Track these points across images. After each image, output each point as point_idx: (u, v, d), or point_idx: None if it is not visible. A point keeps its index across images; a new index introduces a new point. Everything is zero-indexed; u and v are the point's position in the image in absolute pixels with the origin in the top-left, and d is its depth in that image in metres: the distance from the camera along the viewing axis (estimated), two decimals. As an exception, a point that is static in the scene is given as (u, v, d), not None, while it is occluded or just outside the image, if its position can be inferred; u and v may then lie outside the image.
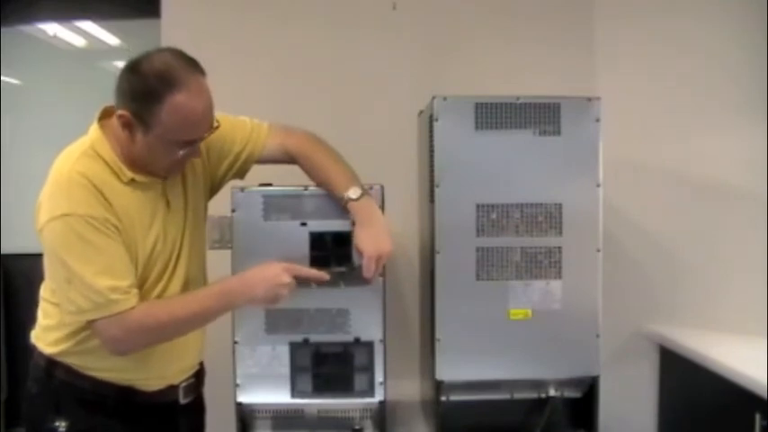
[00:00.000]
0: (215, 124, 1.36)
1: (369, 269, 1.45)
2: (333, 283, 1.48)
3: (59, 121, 2.90)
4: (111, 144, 1.35)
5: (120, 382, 1.41)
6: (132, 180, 1.35)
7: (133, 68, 1.30)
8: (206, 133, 1.36)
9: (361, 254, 1.46)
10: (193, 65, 1.31)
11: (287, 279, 1.38)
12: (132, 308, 1.31)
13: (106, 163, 1.34)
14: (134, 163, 1.36)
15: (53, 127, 2.90)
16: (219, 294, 1.38)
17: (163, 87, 1.26)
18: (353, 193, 1.48)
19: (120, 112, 1.30)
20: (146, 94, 1.27)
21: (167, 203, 1.42)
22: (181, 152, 1.34)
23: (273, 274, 1.38)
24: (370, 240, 1.46)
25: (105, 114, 1.39)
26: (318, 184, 1.54)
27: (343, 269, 1.50)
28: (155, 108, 1.27)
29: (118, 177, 1.34)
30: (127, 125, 1.31)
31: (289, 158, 1.55)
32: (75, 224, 1.27)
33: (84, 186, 1.29)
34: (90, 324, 1.31)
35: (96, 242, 1.28)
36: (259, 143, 1.54)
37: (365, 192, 1.49)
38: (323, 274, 1.45)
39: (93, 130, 1.37)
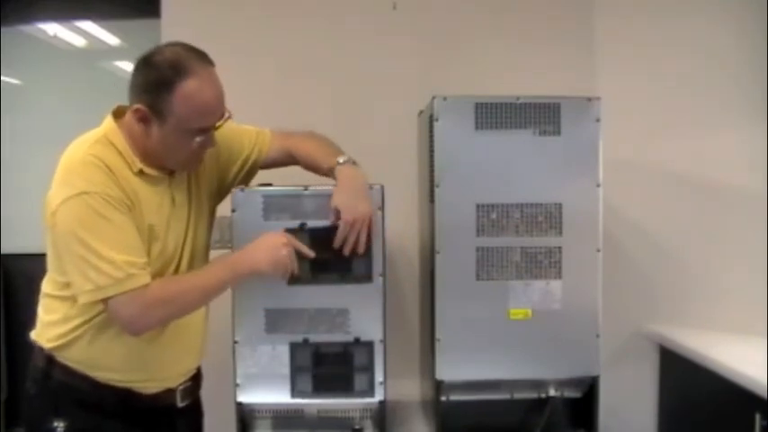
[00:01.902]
0: (226, 114, 1.39)
1: (341, 236, 1.46)
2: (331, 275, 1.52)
3: (59, 121, 2.90)
4: (124, 135, 1.38)
5: (118, 384, 1.41)
6: (141, 171, 1.38)
7: (145, 62, 1.34)
8: (218, 121, 1.39)
9: (337, 216, 1.46)
10: (203, 56, 1.36)
11: (283, 239, 1.44)
12: (148, 284, 1.33)
13: (119, 152, 1.37)
14: (148, 158, 1.39)
15: (53, 127, 2.89)
16: (225, 266, 1.44)
17: (174, 75, 1.31)
18: (340, 158, 1.50)
19: (135, 106, 1.34)
20: (158, 83, 1.31)
21: (172, 200, 1.44)
22: (196, 139, 1.36)
23: (272, 240, 1.44)
24: (349, 202, 1.46)
25: (118, 114, 1.42)
26: (313, 170, 1.55)
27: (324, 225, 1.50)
28: (167, 96, 1.31)
29: (129, 167, 1.37)
30: (142, 119, 1.34)
31: (291, 159, 1.59)
32: (92, 201, 1.29)
33: (99, 167, 1.32)
34: (106, 303, 1.31)
35: (113, 219, 1.30)
36: (265, 147, 1.59)
37: (351, 160, 1.51)
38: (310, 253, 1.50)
39: (108, 122, 1.40)
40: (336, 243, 1.48)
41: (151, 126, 1.35)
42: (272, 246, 1.44)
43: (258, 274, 1.45)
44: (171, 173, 1.45)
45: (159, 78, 1.31)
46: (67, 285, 1.36)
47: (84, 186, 1.29)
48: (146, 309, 1.33)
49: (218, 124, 1.39)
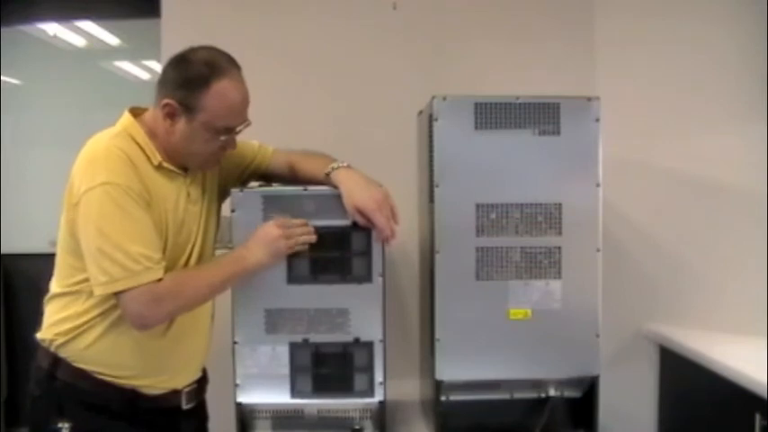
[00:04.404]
0: (247, 122, 1.44)
1: (380, 223, 1.47)
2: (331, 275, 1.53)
3: (59, 121, 2.91)
4: (144, 131, 1.41)
5: (124, 384, 1.42)
6: (161, 165, 1.41)
7: (180, 59, 1.39)
8: (243, 123, 1.43)
9: (360, 213, 1.47)
10: (233, 60, 1.41)
11: (276, 231, 1.46)
12: (161, 279, 1.34)
13: (139, 145, 1.39)
14: (167, 155, 1.42)
15: (53, 127, 2.90)
16: (232, 261, 1.47)
17: (210, 73, 1.35)
18: (334, 165, 1.52)
19: (165, 101, 1.37)
20: (194, 80, 1.36)
21: (188, 195, 1.47)
22: (221, 138, 1.40)
23: (268, 235, 1.47)
24: (362, 194, 1.47)
25: (134, 113, 1.44)
26: (311, 180, 1.56)
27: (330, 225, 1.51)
28: (201, 93, 1.35)
29: (148, 160, 1.39)
30: (171, 114, 1.38)
31: (290, 173, 1.61)
32: (114, 193, 1.31)
33: (122, 159, 1.34)
34: (118, 296, 1.32)
35: (132, 212, 1.32)
36: (265, 159, 1.64)
37: (346, 165, 1.53)
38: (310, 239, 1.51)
39: (125, 117, 1.43)
40: (378, 238, 1.50)
41: (178, 122, 1.38)
42: (270, 240, 1.46)
43: (264, 268, 1.48)
44: (185, 168, 1.47)
45: (195, 75, 1.35)
46: (81, 282, 1.37)
47: (106, 177, 1.31)
48: (155, 304, 1.35)
49: (239, 128, 1.43)
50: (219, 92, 1.36)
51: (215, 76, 1.35)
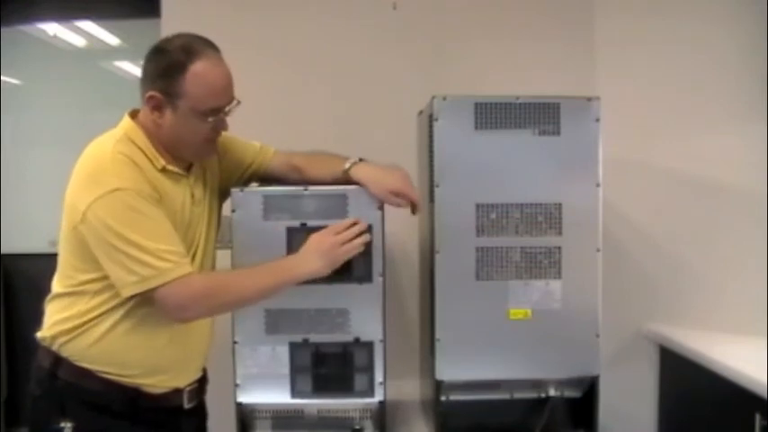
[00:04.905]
0: (235, 101, 1.43)
1: (416, 197, 1.52)
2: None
3: (59, 121, 2.91)
4: (144, 134, 1.41)
5: (126, 383, 1.42)
6: (164, 168, 1.41)
7: (157, 50, 1.39)
8: (229, 103, 1.42)
9: (395, 194, 1.50)
10: (211, 42, 1.41)
11: (332, 239, 1.47)
12: (192, 273, 1.36)
13: (141, 150, 1.39)
14: (166, 149, 1.42)
15: (53, 127, 2.90)
16: (280, 270, 1.46)
17: (185, 57, 1.35)
18: (349, 163, 1.54)
19: (149, 94, 1.37)
20: (170, 67, 1.35)
21: (192, 195, 1.47)
22: (209, 120, 1.39)
23: (325, 244, 1.46)
24: (391, 178, 1.52)
25: (133, 115, 1.45)
26: (323, 179, 1.57)
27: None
28: (180, 78, 1.35)
29: (152, 164, 1.40)
30: (156, 106, 1.38)
31: (294, 172, 1.62)
32: (128, 197, 1.31)
33: (129, 165, 1.35)
34: (153, 293, 1.33)
35: (149, 213, 1.33)
36: (266, 159, 1.64)
37: (360, 160, 1.56)
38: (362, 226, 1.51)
39: (125, 121, 1.43)
40: (415, 211, 1.55)
41: (165, 113, 1.38)
42: (326, 249, 1.46)
43: (317, 276, 1.47)
44: (188, 168, 1.47)
45: (172, 62, 1.35)
46: (84, 282, 1.37)
47: (117, 183, 1.31)
48: (194, 297, 1.36)
49: (228, 108, 1.42)
50: (197, 74, 1.35)
51: (190, 59, 1.35)
